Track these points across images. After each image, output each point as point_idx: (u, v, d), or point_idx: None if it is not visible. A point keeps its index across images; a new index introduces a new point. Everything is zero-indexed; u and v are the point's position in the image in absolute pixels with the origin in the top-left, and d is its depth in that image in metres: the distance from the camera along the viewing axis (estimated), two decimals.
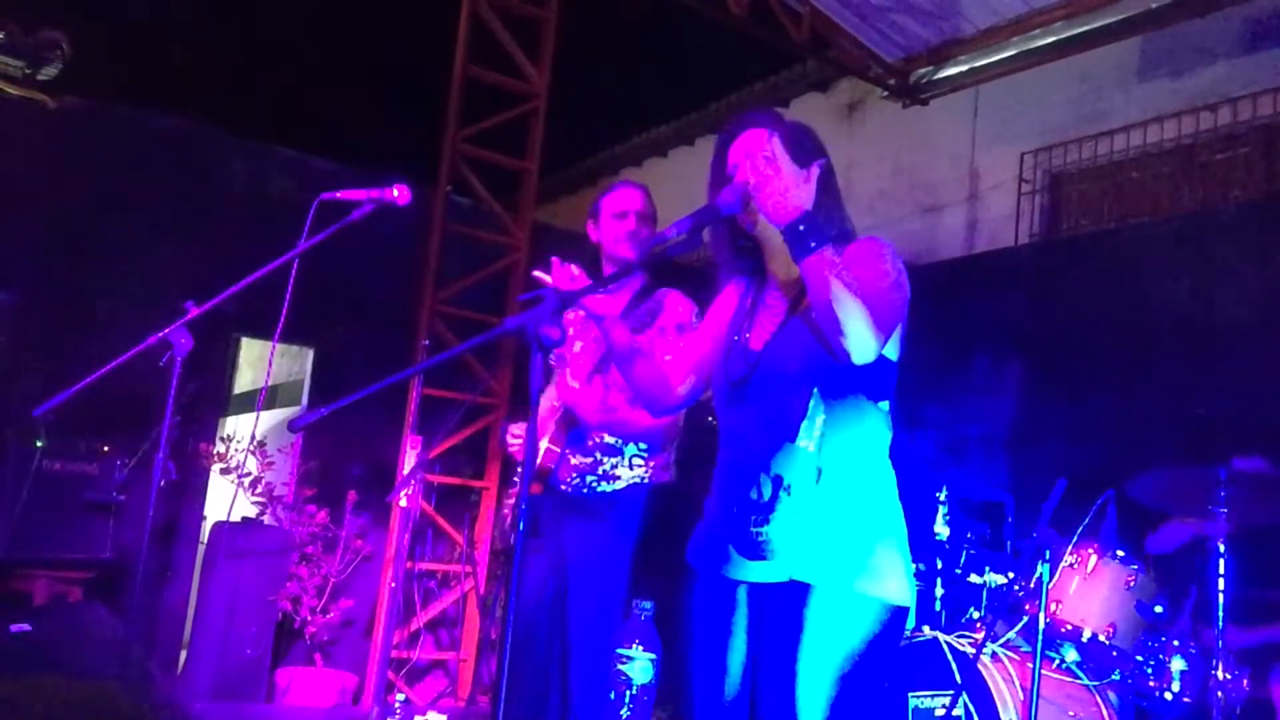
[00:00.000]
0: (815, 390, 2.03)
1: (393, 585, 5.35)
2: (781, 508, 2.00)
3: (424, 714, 4.98)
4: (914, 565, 4.01)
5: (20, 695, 2.16)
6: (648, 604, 4.58)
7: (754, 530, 2.02)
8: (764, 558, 2.01)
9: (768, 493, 2.02)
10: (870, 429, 2.08)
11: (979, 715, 3.32)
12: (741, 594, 2.10)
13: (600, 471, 3.08)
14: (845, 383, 2.04)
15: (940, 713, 3.41)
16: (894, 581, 2.02)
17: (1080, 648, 3.47)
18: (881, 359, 2.02)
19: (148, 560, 4.80)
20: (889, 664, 2.18)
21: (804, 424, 2.02)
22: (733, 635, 2.11)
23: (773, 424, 2.05)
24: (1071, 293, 5.77)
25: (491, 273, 5.95)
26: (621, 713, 4.24)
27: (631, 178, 10.43)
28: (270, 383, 6.69)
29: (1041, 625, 3.22)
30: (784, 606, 1.99)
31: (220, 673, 4.91)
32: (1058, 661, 3.50)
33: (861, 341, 1.91)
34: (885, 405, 2.11)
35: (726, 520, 2.08)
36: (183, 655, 5.18)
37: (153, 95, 6.31)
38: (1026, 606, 3.52)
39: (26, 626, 2.45)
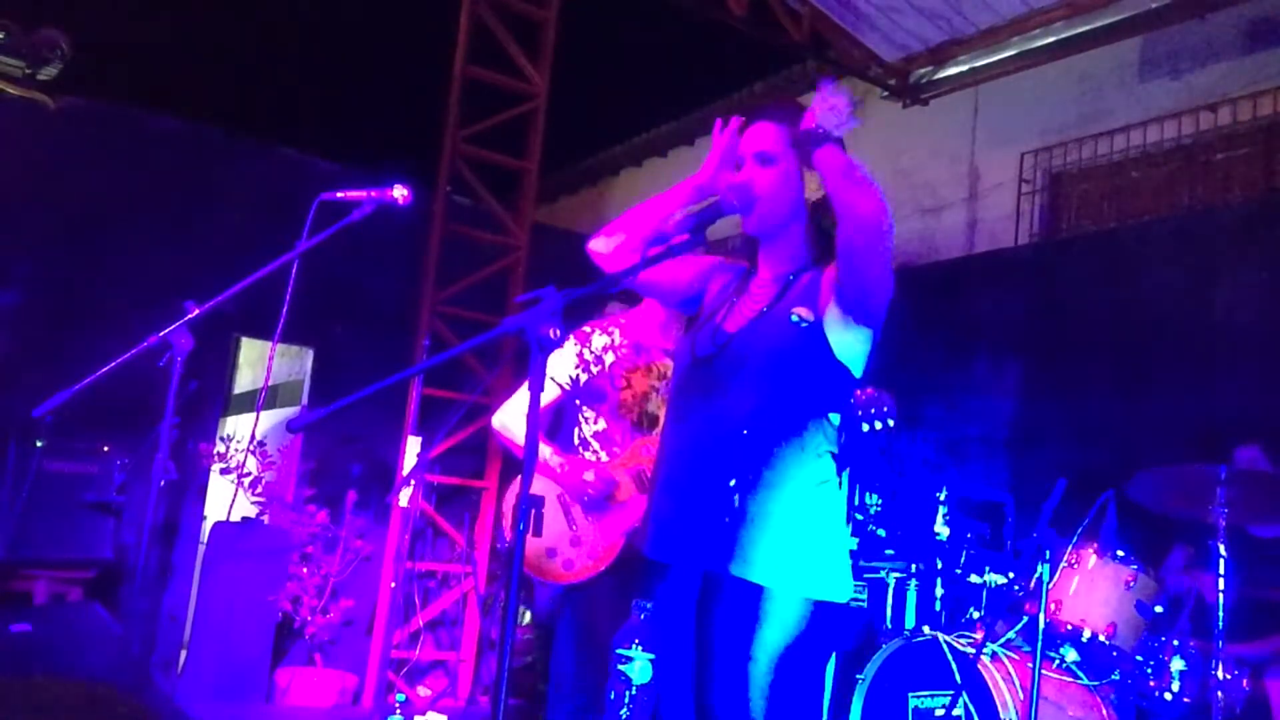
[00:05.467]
0: (776, 386, 2.02)
1: (393, 585, 5.35)
2: (736, 501, 1.99)
3: (424, 714, 4.98)
4: (913, 565, 4.02)
5: (20, 695, 2.15)
6: (648, 604, 4.58)
7: (714, 522, 1.99)
8: (726, 553, 1.98)
9: (724, 483, 2.00)
10: (820, 431, 2.06)
11: (979, 715, 3.32)
12: (696, 583, 2.08)
13: None
14: (806, 383, 2.03)
15: (940, 713, 3.41)
16: (840, 583, 2.03)
17: (1080, 648, 3.47)
18: (845, 372, 2.04)
19: (148, 560, 4.81)
20: (829, 654, 2.18)
21: (760, 417, 2.01)
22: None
23: (729, 410, 2.03)
24: (1071, 293, 5.77)
25: (491, 273, 5.95)
26: (621, 713, 4.23)
27: (631, 178, 10.48)
28: (270, 383, 6.68)
29: (1041, 625, 3.21)
30: (738, 603, 1.98)
31: (220, 673, 4.91)
32: (1058, 661, 3.50)
33: (874, 223, 1.92)
34: (836, 418, 2.09)
35: (683, 510, 2.05)
36: (183, 655, 5.18)
37: (153, 95, 6.30)
38: (1026, 606, 3.52)
39: (27, 626, 2.44)
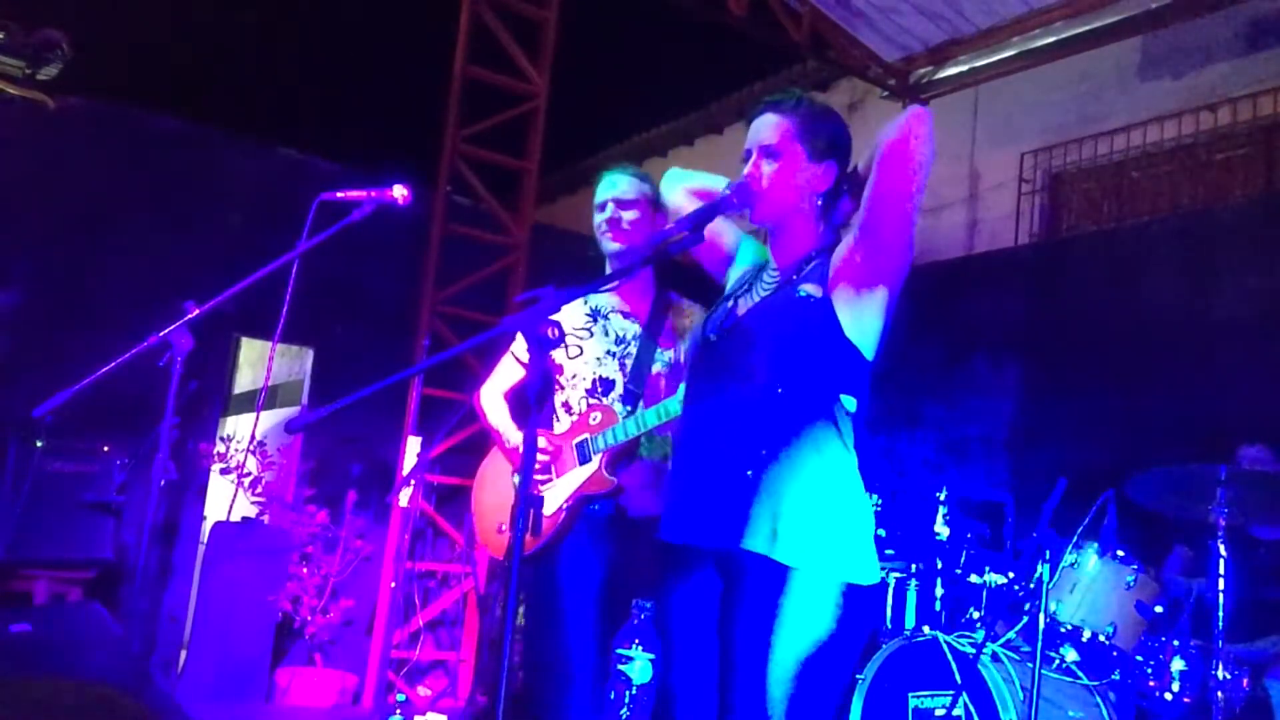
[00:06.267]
0: (785, 363, 2.00)
1: (393, 585, 5.35)
2: (749, 475, 1.98)
3: (424, 714, 4.98)
4: (913, 565, 4.02)
5: (20, 695, 2.15)
6: (648, 604, 4.58)
7: (727, 500, 1.98)
8: (739, 529, 1.97)
9: (736, 461, 1.99)
10: (835, 414, 2.03)
11: (979, 715, 3.32)
12: (717, 564, 2.07)
13: None
14: (815, 361, 2.01)
15: (940, 713, 3.41)
16: (865, 565, 2.00)
17: (1080, 648, 3.47)
18: (855, 352, 2.00)
19: (148, 560, 4.81)
20: (859, 644, 2.15)
21: (770, 394, 2.00)
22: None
23: (739, 388, 2.03)
24: (1071, 293, 5.77)
25: (491, 273, 5.95)
26: (621, 713, 4.23)
27: None
28: (270, 383, 6.69)
29: (1041, 625, 3.21)
30: (760, 587, 1.96)
31: (220, 673, 4.91)
32: (1058, 661, 3.49)
33: (904, 140, 1.96)
34: (852, 403, 2.06)
35: (697, 489, 2.04)
36: (183, 655, 5.18)
37: (153, 95, 6.31)
38: (1026, 606, 3.52)
39: (27, 626, 2.44)
